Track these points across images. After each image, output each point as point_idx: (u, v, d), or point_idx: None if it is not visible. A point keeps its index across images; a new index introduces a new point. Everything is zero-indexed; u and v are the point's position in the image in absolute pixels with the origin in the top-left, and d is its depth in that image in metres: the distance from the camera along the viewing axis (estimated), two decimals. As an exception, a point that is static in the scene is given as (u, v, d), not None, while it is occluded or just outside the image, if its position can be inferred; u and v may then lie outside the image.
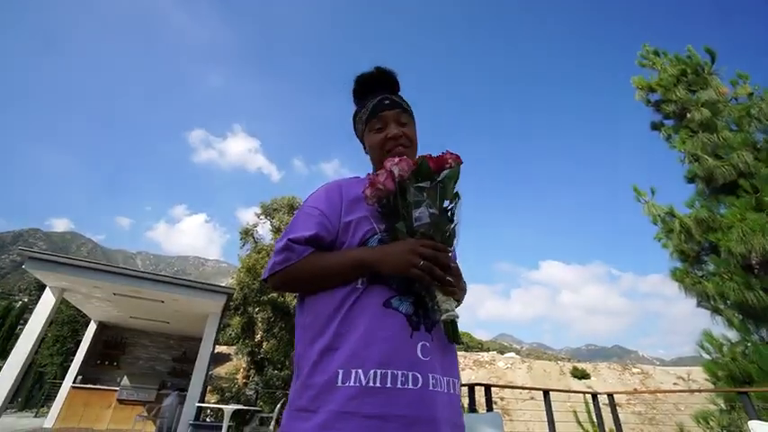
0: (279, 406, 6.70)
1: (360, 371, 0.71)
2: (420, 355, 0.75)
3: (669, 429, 6.61)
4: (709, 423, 4.82)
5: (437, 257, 0.77)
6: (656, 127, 7.37)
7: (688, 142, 6.43)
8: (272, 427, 6.14)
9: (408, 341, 0.75)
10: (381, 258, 0.79)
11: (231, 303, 11.50)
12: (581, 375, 18.03)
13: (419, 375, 0.73)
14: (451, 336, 0.77)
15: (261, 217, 14.91)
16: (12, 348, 7.13)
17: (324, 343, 0.76)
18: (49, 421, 9.76)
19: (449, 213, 0.84)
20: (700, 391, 5.28)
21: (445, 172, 0.83)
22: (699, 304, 5.97)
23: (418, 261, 0.75)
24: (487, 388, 3.39)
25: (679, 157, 6.74)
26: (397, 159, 0.84)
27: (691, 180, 6.57)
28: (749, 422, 2.41)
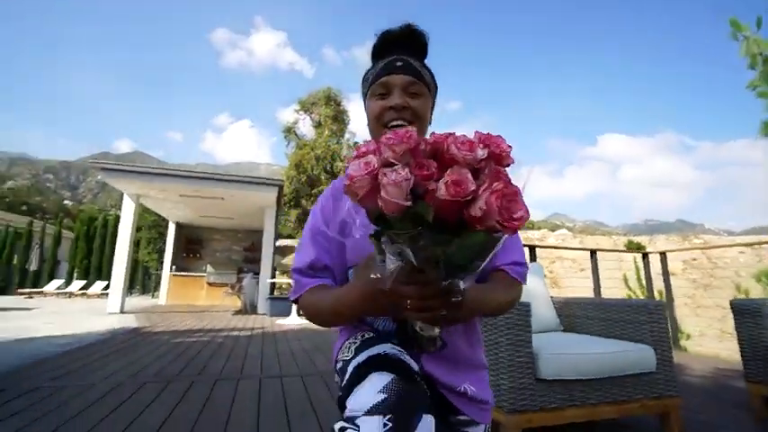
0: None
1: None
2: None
3: (724, 293, 6.45)
4: (773, 280, 4.56)
5: (422, 295, 0.55)
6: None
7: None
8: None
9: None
10: (364, 308, 0.69)
11: (285, 197, 12.18)
12: (636, 248, 17.75)
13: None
14: (418, 345, 0.64)
15: (300, 113, 14.72)
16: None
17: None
18: (162, 300, 12.04)
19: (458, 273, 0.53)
20: (756, 243, 4.83)
21: (476, 237, 0.44)
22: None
23: (404, 303, 0.57)
24: (531, 249, 3.38)
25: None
26: (392, 137, 0.49)
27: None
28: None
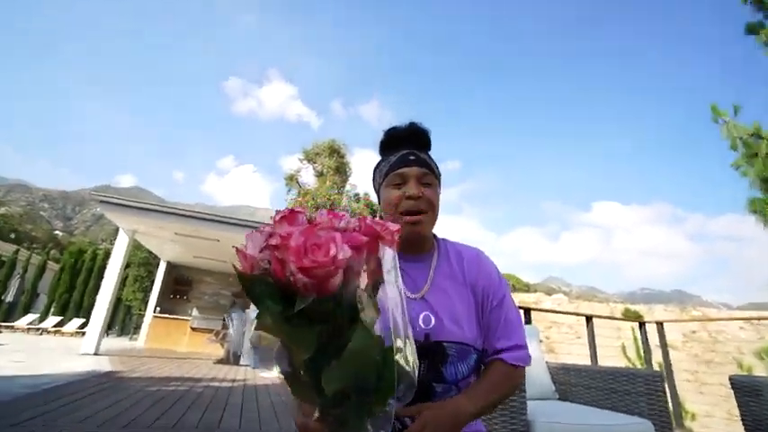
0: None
1: None
2: None
3: (726, 370, 6.26)
4: (774, 358, 4.48)
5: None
6: (752, 29, 6.13)
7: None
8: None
9: None
10: None
11: (281, 244, 12.19)
12: (634, 318, 17.43)
13: None
14: None
15: (304, 162, 15.19)
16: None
17: None
18: (140, 343, 11.49)
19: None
20: (759, 318, 4.82)
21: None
22: (780, 236, 5.31)
23: None
24: (527, 311, 3.34)
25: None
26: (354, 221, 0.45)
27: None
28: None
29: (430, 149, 0.97)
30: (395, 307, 0.44)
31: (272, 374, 6.22)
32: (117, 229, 8.46)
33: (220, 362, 8.18)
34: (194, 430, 2.57)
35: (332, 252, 0.36)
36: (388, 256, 0.44)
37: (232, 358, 8.54)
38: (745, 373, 4.88)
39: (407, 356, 0.42)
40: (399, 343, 0.42)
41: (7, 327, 15.48)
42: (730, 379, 2.04)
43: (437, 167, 0.96)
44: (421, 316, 0.81)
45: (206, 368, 6.64)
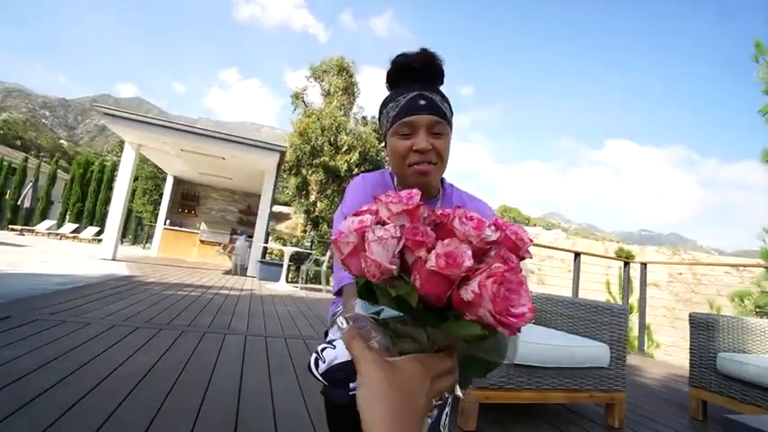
0: (329, 252, 7.66)
1: None
2: None
3: (701, 309, 6.70)
4: (743, 302, 4.79)
5: None
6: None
7: None
8: (324, 267, 7.12)
9: None
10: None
11: (286, 164, 12.19)
12: (625, 256, 18.04)
13: None
14: None
15: (310, 80, 14.51)
16: (112, 197, 8.52)
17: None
18: (153, 252, 12.20)
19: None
20: (739, 265, 5.08)
21: (467, 328, 0.36)
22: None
23: None
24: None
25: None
26: (391, 195, 0.42)
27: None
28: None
29: (443, 83, 0.89)
30: None
31: (277, 286, 6.77)
32: (122, 142, 8.48)
33: (229, 273, 8.79)
34: (207, 329, 2.91)
35: (465, 263, 0.35)
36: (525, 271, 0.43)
37: (240, 270, 9.17)
38: (713, 312, 5.25)
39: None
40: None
41: (29, 230, 16.36)
42: (690, 315, 2.25)
43: (450, 109, 0.87)
44: None
45: (216, 278, 7.17)
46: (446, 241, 0.36)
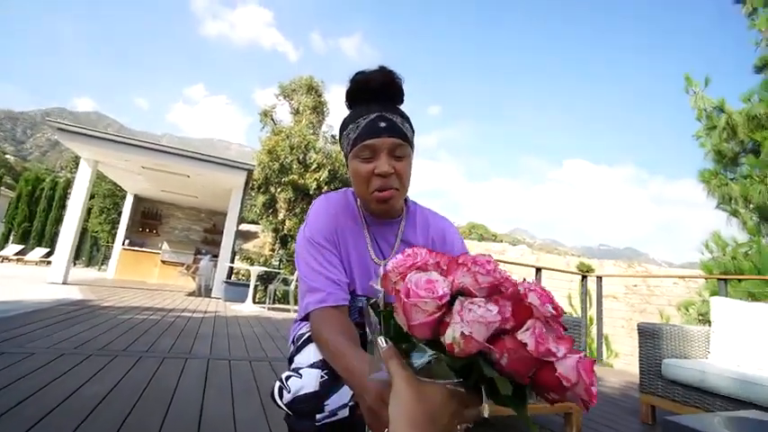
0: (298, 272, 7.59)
1: None
2: None
3: (655, 319, 7.15)
4: (688, 311, 5.16)
5: None
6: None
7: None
8: (292, 286, 6.99)
9: None
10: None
11: (254, 183, 12.00)
12: (586, 270, 18.94)
13: None
14: None
15: (279, 98, 14.50)
16: (64, 216, 8.02)
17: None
18: (110, 274, 11.50)
19: None
20: (683, 277, 5.54)
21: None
22: (718, 206, 5.84)
23: None
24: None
25: (755, 40, 5.79)
26: (478, 263, 0.42)
27: (760, 69, 5.75)
28: (710, 297, 2.55)
29: (402, 102, 0.88)
30: None
31: (243, 307, 6.55)
32: (77, 157, 8.08)
33: (192, 294, 8.43)
34: (167, 353, 2.79)
35: (553, 349, 0.37)
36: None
37: (204, 291, 8.81)
38: (663, 322, 5.60)
39: None
40: None
41: (-35, 252, 15.00)
42: (638, 325, 2.41)
43: (411, 128, 0.86)
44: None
45: (178, 299, 6.86)
46: (533, 323, 0.37)
